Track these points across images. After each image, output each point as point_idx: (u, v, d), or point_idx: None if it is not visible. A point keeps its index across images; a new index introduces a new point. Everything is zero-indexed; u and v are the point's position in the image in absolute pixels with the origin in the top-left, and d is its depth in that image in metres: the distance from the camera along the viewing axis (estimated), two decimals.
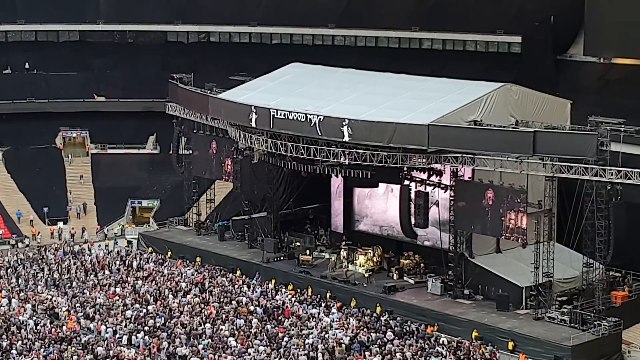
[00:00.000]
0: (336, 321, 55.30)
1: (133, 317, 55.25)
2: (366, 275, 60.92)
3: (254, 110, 61.44)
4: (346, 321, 55.30)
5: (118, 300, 58.16)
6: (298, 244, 66.78)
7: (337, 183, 67.42)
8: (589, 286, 54.82)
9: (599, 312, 53.15)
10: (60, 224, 77.10)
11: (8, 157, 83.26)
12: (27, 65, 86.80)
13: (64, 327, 53.74)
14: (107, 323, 54.40)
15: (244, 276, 63.39)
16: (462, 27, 79.19)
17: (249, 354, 50.46)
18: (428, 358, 50.13)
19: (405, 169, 58.33)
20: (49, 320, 54.96)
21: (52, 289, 60.81)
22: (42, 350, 50.75)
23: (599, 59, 72.73)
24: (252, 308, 57.04)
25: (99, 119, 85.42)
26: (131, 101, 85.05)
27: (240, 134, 63.89)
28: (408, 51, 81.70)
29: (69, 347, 50.97)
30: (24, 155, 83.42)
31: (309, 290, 60.28)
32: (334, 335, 52.91)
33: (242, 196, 69.64)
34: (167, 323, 54.49)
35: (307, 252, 64.84)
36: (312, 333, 53.25)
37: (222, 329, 53.41)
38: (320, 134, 58.25)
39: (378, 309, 57.03)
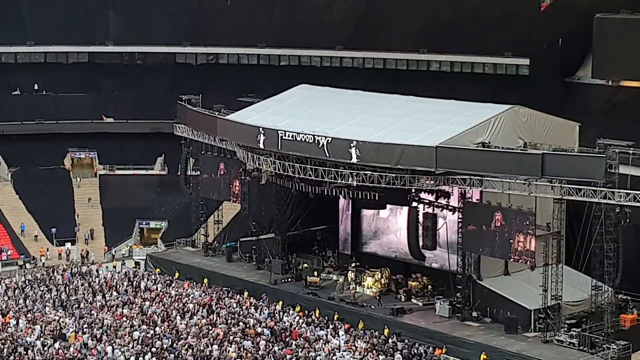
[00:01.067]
0: (344, 343, 55.14)
1: (140, 338, 55.08)
2: (377, 296, 60.70)
3: (262, 132, 61.52)
4: (354, 343, 55.11)
5: (125, 321, 58.08)
6: (306, 265, 66.70)
7: (344, 204, 67.36)
8: (597, 309, 54.64)
9: (607, 336, 52.94)
10: (68, 244, 77.18)
11: (17, 178, 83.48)
12: (36, 87, 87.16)
13: (71, 349, 53.65)
14: (114, 344, 54.29)
15: (251, 297, 63.28)
16: (470, 49, 79.32)
17: None
18: None
19: (413, 190, 58.28)
20: (56, 342, 54.88)
21: (60, 310, 60.73)
22: None
23: (607, 82, 72.71)
24: (259, 330, 56.89)
25: (107, 140, 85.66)
26: (139, 122, 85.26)
27: (248, 155, 63.93)
28: (416, 73, 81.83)
29: None
30: (32, 176, 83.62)
31: (317, 311, 60.16)
32: (341, 357, 52.75)
33: (249, 217, 69.67)
34: (174, 344, 54.33)
35: (315, 273, 64.75)
36: (319, 355, 53.08)
37: (229, 351, 53.24)
38: (328, 155, 58.28)
39: (386, 331, 56.83)
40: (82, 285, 65.64)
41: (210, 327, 56.94)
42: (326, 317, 59.28)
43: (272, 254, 67.52)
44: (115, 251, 77.69)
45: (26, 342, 54.64)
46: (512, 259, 55.32)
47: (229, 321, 58.17)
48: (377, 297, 60.57)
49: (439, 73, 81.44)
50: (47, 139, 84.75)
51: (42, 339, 55.26)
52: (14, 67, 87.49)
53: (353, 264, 64.59)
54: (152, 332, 56.11)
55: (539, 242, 54.37)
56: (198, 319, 58.37)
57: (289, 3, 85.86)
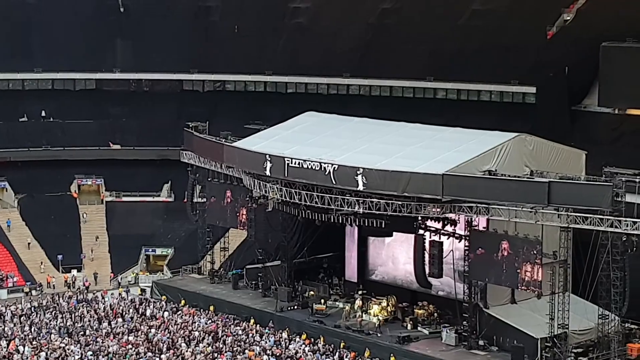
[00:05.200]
0: None
1: None
2: (377, 324, 60.53)
3: (269, 159, 61.62)
4: None
5: (131, 348, 57.98)
6: (312, 293, 66.57)
7: (351, 232, 67.31)
8: (604, 338, 54.45)
9: None
10: (74, 271, 77.14)
11: (23, 205, 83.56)
12: (43, 113, 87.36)
13: None
14: None
15: (257, 325, 63.12)
16: (477, 77, 79.40)
17: None
18: None
19: (419, 218, 58.25)
20: None
21: (65, 337, 60.65)
22: None
23: (613, 110, 72.70)
24: (265, 358, 56.75)
25: (114, 167, 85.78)
26: (146, 149, 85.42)
27: (254, 182, 64.00)
28: (423, 101, 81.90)
29: None
30: (39, 203, 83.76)
31: (322, 339, 59.98)
32: None
33: (256, 244, 69.68)
34: None
35: (321, 301, 64.62)
36: None
37: None
38: (334, 182, 58.32)
39: (392, 359, 56.65)
40: (87, 312, 65.59)
41: (216, 355, 56.81)
42: (332, 345, 59.13)
43: (279, 281, 67.46)
44: (121, 278, 77.61)
45: None
46: (519, 289, 55.20)
47: (235, 349, 58.05)
48: (378, 326, 60.31)
49: (446, 101, 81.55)
50: (54, 165, 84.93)
51: None
52: (22, 94, 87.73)
53: (359, 292, 64.48)
54: (157, 359, 55.97)
55: (546, 270, 54.26)
56: (204, 347, 58.25)
57: (295, 31, 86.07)
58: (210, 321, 63.78)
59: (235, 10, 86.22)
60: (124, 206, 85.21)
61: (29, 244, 79.54)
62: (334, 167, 58.31)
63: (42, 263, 77.99)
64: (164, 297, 69.78)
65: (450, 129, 62.33)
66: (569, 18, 74.52)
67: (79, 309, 66.50)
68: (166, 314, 65.52)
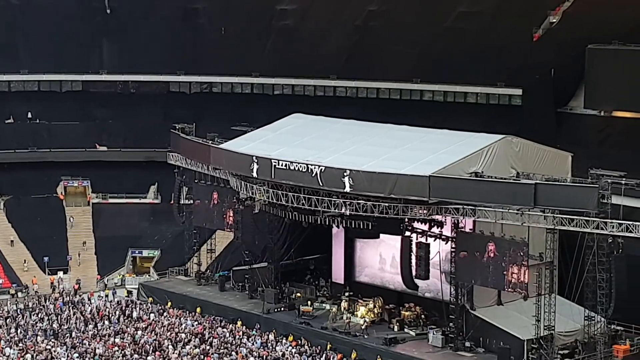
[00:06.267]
0: None
1: None
2: (363, 326, 60.60)
3: (256, 161, 61.63)
4: None
5: (117, 350, 57.86)
6: (299, 294, 66.58)
7: (338, 234, 67.35)
8: (590, 339, 54.63)
9: None
10: (61, 273, 76.93)
11: (9, 207, 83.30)
12: (29, 115, 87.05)
13: None
14: None
15: (244, 327, 63.10)
16: (463, 80, 79.58)
17: None
18: None
19: (406, 220, 58.34)
20: None
21: (52, 339, 60.50)
22: None
23: (599, 112, 72.94)
24: (252, 359, 56.68)
25: (100, 169, 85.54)
26: (133, 151, 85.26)
27: (241, 184, 63.99)
28: (409, 103, 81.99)
29: None
30: (25, 205, 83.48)
31: (308, 342, 59.94)
32: None
33: (242, 246, 69.66)
34: None
35: (308, 303, 64.66)
36: None
37: None
38: (321, 184, 58.37)
39: None
40: (74, 314, 65.43)
41: (202, 357, 56.76)
42: (319, 347, 59.13)
43: (265, 283, 67.44)
44: (107, 280, 77.45)
45: None
46: (506, 290, 55.34)
47: (222, 351, 58.00)
48: (364, 328, 60.33)
49: (432, 103, 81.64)
50: (40, 167, 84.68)
51: None
52: (8, 96, 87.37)
53: (346, 293, 64.53)
54: None
55: (532, 272, 54.42)
56: (190, 349, 58.18)
57: (282, 32, 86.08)
58: (197, 323, 63.72)
59: (222, 12, 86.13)
60: (111, 208, 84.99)
61: (11, 241, 79.26)
62: (321, 169, 58.35)
63: (25, 261, 77.78)
64: (150, 298, 69.68)
65: (437, 131, 62.45)
66: (555, 20, 74.78)
67: (65, 311, 66.32)
68: (152, 315, 65.42)
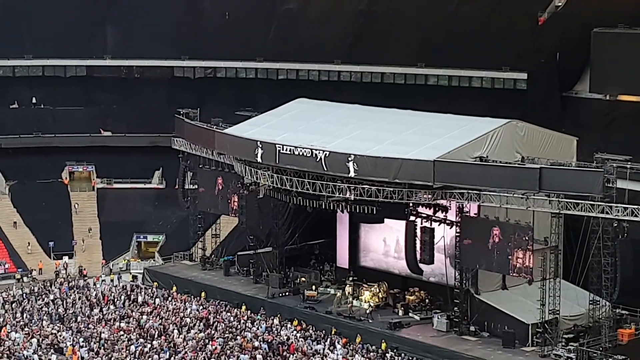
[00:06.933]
0: (341, 357, 55.02)
1: (137, 352, 55.03)
2: (368, 310, 60.65)
3: (260, 146, 61.57)
4: (351, 357, 55.04)
5: (123, 335, 57.99)
6: (303, 279, 66.60)
7: (342, 219, 67.34)
8: (595, 324, 54.58)
9: (605, 350, 52.91)
10: (66, 258, 77.09)
11: (14, 192, 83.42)
12: (34, 100, 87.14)
13: None
14: (111, 358, 54.20)
15: (249, 311, 63.17)
16: (468, 64, 79.42)
17: None
18: None
19: (410, 204, 58.27)
20: (53, 355, 54.77)
21: (57, 324, 60.64)
22: None
23: (604, 96, 72.72)
24: (256, 344, 56.83)
25: (105, 154, 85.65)
26: (137, 136, 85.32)
27: (245, 169, 63.95)
28: (414, 87, 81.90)
29: None
30: (30, 190, 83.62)
31: (311, 326, 60.02)
32: None
33: (247, 231, 69.69)
34: (171, 358, 54.29)
35: (313, 287, 64.70)
36: None
37: None
38: (325, 169, 58.33)
39: (383, 345, 56.75)
40: (79, 298, 65.57)
41: (207, 341, 56.86)
42: (323, 331, 59.20)
43: (270, 267, 67.50)
44: (112, 265, 77.59)
45: (23, 355, 54.58)
46: (510, 275, 55.35)
47: (226, 335, 58.10)
48: (369, 312, 60.40)
49: (437, 87, 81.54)
50: (45, 152, 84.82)
51: (39, 352, 55.18)
52: (12, 81, 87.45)
53: (350, 278, 64.56)
54: (149, 346, 56.04)
55: (537, 256, 54.38)
56: (195, 333, 58.28)
57: (286, 17, 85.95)
58: (201, 307, 63.80)
59: None
60: (115, 193, 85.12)
61: (14, 222, 79.36)
62: (325, 154, 58.29)
63: (29, 243, 77.88)
64: (155, 283, 69.78)
65: (442, 116, 62.34)
66: (560, 4, 74.53)
67: (71, 295, 66.45)
68: (157, 300, 65.53)
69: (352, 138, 60.41)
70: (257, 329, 59.69)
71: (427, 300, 61.48)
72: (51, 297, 65.92)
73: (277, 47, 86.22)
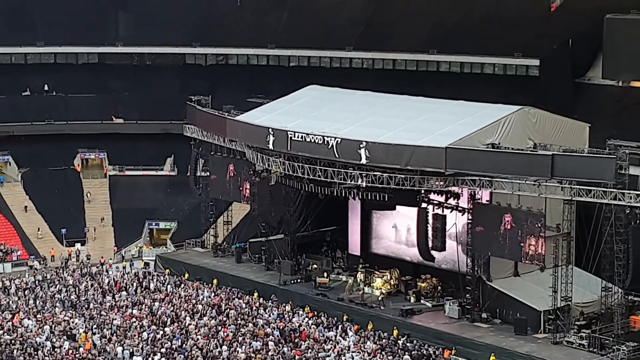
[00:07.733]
0: (353, 344, 55.12)
1: (150, 339, 55.19)
2: (379, 297, 60.71)
3: (272, 133, 61.55)
4: (363, 344, 55.11)
5: (135, 322, 58.15)
6: (315, 266, 66.65)
7: (354, 206, 67.33)
8: (607, 310, 54.55)
9: (617, 337, 52.87)
10: (78, 245, 77.31)
11: (26, 179, 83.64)
12: (46, 87, 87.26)
13: (81, 349, 53.77)
14: (124, 345, 54.39)
15: (260, 298, 63.27)
16: (480, 50, 79.18)
17: None
18: None
19: (422, 191, 58.20)
20: (66, 342, 54.98)
21: (70, 311, 60.84)
22: None
23: (617, 83, 72.56)
24: (268, 330, 56.93)
25: (117, 141, 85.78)
26: (149, 123, 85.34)
27: (257, 156, 63.95)
28: (425, 74, 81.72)
29: None
30: (42, 177, 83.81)
31: (325, 313, 60.10)
32: (351, 358, 52.75)
33: (259, 218, 69.77)
34: (183, 345, 54.42)
35: (324, 274, 64.73)
36: (329, 356, 53.13)
37: (238, 352, 53.33)
38: (337, 156, 58.28)
39: (395, 332, 56.81)
40: (91, 285, 65.77)
41: (219, 328, 57.00)
42: (335, 318, 59.26)
43: (282, 254, 67.56)
44: (124, 252, 77.76)
45: (36, 342, 54.79)
46: (522, 261, 55.29)
47: (238, 322, 58.22)
48: (380, 299, 60.45)
49: (449, 74, 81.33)
50: (57, 139, 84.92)
51: (51, 339, 55.39)
52: (24, 68, 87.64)
53: (362, 265, 64.59)
54: (161, 332, 56.21)
55: (549, 243, 54.30)
56: (207, 320, 58.42)
57: (298, 4, 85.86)
58: (213, 294, 63.92)
59: None
60: (127, 180, 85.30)
61: (25, 207, 79.54)
62: (337, 141, 58.23)
63: (39, 229, 78.13)
64: (167, 270, 69.92)
65: (454, 102, 62.19)
66: None
67: (83, 282, 66.65)
68: (169, 287, 65.68)
69: (363, 125, 60.33)
70: (269, 315, 59.78)
71: (439, 287, 61.43)
72: (63, 283, 66.12)
73: (289, 34, 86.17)
